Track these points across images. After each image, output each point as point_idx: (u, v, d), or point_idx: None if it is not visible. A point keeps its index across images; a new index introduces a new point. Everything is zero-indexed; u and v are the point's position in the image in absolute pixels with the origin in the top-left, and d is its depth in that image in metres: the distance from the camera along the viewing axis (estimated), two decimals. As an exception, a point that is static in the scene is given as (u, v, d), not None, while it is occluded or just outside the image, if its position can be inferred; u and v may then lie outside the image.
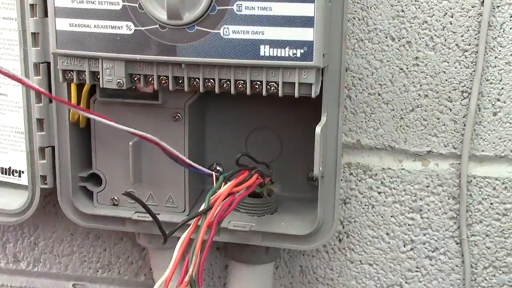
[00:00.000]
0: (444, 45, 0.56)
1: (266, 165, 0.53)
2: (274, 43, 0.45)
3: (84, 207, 0.56)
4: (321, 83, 0.48)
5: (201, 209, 0.44)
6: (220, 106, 0.58)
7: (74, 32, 0.48)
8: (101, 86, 0.49)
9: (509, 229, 0.59)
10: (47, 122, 0.55)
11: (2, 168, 0.60)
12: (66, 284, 0.71)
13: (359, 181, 0.61)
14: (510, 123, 0.57)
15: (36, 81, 0.54)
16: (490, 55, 0.55)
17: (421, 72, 0.57)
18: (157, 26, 0.47)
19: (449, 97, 0.57)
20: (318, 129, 0.47)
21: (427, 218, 0.60)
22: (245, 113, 0.58)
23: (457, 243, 0.60)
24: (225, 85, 0.47)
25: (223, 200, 0.45)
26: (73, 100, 0.53)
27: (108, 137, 0.55)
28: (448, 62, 0.56)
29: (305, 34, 0.45)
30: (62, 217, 0.66)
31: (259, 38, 0.45)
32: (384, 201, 0.61)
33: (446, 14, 0.55)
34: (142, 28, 0.47)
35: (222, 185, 0.47)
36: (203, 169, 0.51)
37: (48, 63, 0.54)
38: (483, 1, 0.54)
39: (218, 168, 0.60)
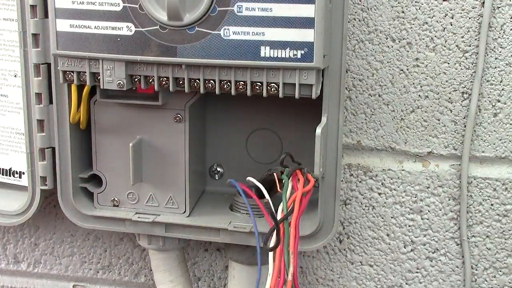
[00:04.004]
0: (445, 46, 0.56)
1: (299, 163, 0.53)
2: (274, 44, 0.45)
3: (84, 208, 0.56)
4: (321, 84, 0.48)
5: (279, 213, 0.46)
6: (221, 107, 0.58)
7: (74, 33, 0.48)
8: (101, 87, 0.49)
9: (509, 230, 0.59)
10: (47, 123, 0.55)
11: (3, 169, 0.60)
12: (66, 285, 0.71)
13: (360, 182, 0.61)
14: (511, 124, 0.57)
15: (37, 82, 0.55)
16: (491, 56, 0.55)
17: (422, 73, 0.57)
18: (158, 27, 0.47)
19: (450, 98, 0.57)
20: (318, 130, 0.47)
21: (428, 219, 0.60)
22: (245, 113, 0.58)
23: (457, 244, 0.60)
24: (225, 86, 0.47)
25: (300, 201, 0.46)
26: (74, 101, 0.53)
27: (108, 138, 0.55)
28: (448, 63, 0.56)
29: (306, 35, 0.45)
30: (63, 218, 0.66)
31: (260, 39, 0.45)
32: (385, 202, 0.61)
33: (447, 15, 0.55)
34: (143, 29, 0.47)
35: (289, 186, 0.48)
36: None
37: (49, 64, 0.54)
38: (483, 2, 0.54)
39: (218, 169, 0.60)
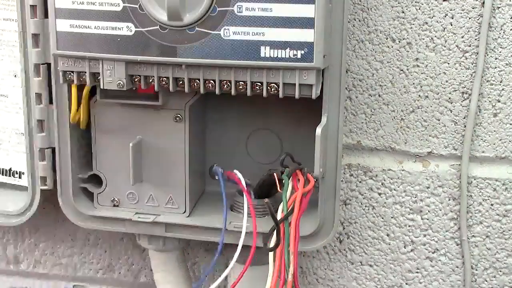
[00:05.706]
0: (445, 46, 0.56)
1: (299, 163, 0.53)
2: (274, 44, 0.45)
3: (84, 208, 0.56)
4: (321, 84, 0.48)
5: (279, 213, 0.46)
6: (221, 107, 0.58)
7: (74, 33, 0.48)
8: (101, 87, 0.49)
9: (509, 230, 0.59)
10: (47, 123, 0.55)
11: (3, 169, 0.60)
12: (66, 285, 0.71)
13: (360, 182, 0.61)
14: (511, 124, 0.57)
15: (37, 82, 0.55)
16: (491, 56, 0.55)
17: (422, 73, 0.57)
18: (158, 27, 0.47)
19: (450, 98, 0.57)
20: (318, 130, 0.47)
21: (428, 219, 0.60)
22: (245, 113, 0.58)
23: (457, 244, 0.60)
24: (225, 86, 0.47)
25: (300, 201, 0.46)
26: (74, 101, 0.53)
27: (108, 138, 0.55)
28: (448, 63, 0.56)
29: (306, 35, 0.45)
30: (63, 218, 0.66)
31: (260, 39, 0.45)
32: (385, 202, 0.61)
33: (447, 15, 0.55)
34: (143, 29, 0.47)
35: (289, 186, 0.48)
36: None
37: (49, 64, 0.54)
38: (483, 2, 0.54)
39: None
